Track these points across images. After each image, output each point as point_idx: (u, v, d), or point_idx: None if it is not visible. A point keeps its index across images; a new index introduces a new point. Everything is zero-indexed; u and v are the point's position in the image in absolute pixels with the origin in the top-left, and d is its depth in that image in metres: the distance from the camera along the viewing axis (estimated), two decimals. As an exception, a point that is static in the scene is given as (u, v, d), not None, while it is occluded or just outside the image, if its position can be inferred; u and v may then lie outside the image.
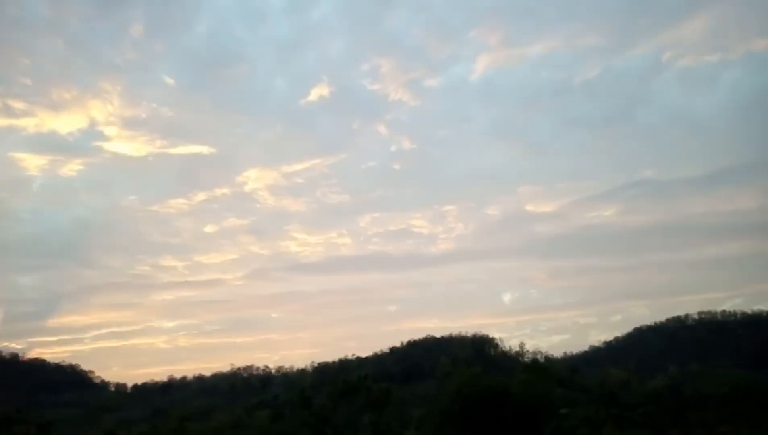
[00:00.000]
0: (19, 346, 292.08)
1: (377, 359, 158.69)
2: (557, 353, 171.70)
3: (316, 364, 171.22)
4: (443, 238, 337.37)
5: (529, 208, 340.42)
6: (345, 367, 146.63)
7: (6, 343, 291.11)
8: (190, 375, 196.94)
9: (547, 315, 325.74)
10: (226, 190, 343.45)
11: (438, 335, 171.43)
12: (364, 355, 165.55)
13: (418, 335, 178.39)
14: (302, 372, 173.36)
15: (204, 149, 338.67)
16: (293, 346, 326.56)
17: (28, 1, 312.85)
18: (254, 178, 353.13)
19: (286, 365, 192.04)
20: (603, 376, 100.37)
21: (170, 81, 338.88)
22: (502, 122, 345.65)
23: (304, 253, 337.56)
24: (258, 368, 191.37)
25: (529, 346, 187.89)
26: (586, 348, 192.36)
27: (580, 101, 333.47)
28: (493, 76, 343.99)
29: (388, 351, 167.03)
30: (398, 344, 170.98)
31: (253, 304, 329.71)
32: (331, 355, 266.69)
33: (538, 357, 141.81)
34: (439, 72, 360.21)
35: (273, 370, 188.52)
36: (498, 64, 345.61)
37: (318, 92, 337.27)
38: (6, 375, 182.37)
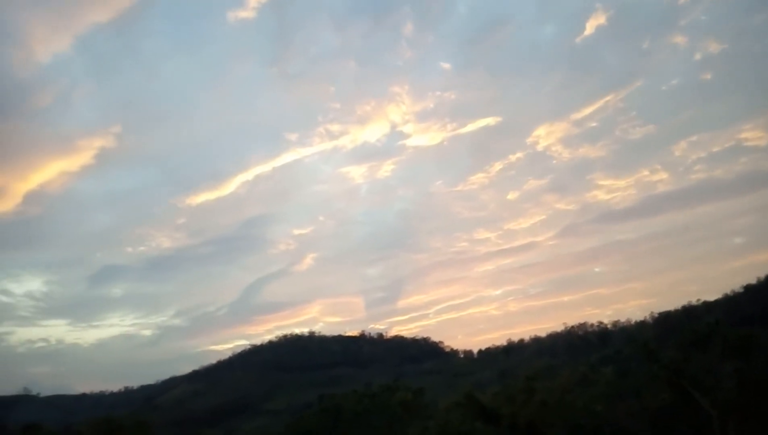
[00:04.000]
0: (381, 327, 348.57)
1: (728, 301, 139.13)
2: None
3: (656, 315, 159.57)
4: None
5: None
6: (690, 314, 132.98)
7: (372, 326, 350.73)
8: (526, 337, 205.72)
9: None
10: (519, 155, 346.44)
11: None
12: (711, 298, 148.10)
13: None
14: (642, 324, 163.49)
15: (490, 120, 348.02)
16: (625, 298, 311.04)
17: (322, 38, 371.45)
18: (545, 135, 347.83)
19: (622, 319, 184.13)
20: None
21: (446, 66, 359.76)
22: None
23: (614, 200, 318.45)
24: (592, 325, 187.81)
25: None
26: None
27: None
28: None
29: (741, 290, 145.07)
30: (753, 281, 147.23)
31: (571, 262, 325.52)
32: (672, 303, 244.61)
33: None
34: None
35: (609, 325, 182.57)
36: None
37: (594, 23, 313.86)
38: (376, 352, 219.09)
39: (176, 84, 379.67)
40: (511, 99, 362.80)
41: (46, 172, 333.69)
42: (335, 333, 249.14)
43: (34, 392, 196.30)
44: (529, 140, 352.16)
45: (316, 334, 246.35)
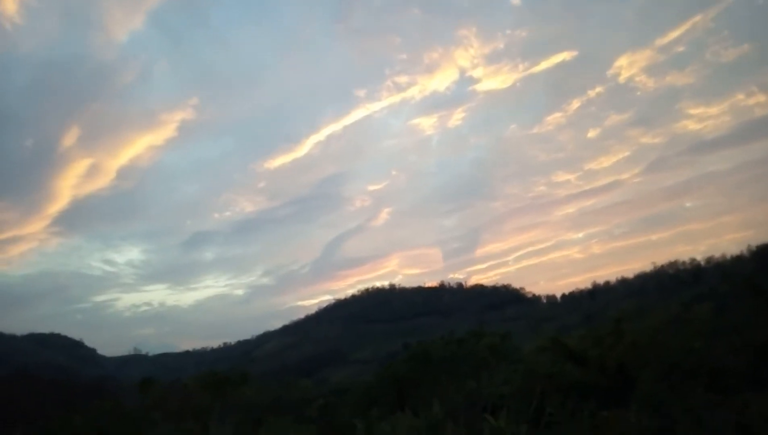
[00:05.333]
0: (460, 276, 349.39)
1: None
2: None
3: (754, 248, 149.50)
4: None
5: None
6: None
7: (451, 275, 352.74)
8: (612, 279, 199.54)
9: None
10: (599, 89, 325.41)
11: None
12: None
13: None
14: (738, 259, 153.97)
15: (565, 55, 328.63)
16: (719, 233, 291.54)
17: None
18: (626, 66, 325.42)
19: (717, 254, 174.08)
20: None
21: (516, 1, 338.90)
22: None
23: (706, 129, 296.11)
24: (684, 262, 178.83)
25: None
26: None
27: None
28: None
29: None
30: None
31: (660, 198, 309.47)
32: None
33: None
34: None
35: (702, 262, 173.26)
36: None
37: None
38: (457, 301, 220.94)
39: (246, 51, 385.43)
40: (587, 29, 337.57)
41: (135, 148, 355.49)
42: (415, 285, 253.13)
43: (143, 352, 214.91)
44: (610, 72, 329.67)
45: (397, 287, 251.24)
